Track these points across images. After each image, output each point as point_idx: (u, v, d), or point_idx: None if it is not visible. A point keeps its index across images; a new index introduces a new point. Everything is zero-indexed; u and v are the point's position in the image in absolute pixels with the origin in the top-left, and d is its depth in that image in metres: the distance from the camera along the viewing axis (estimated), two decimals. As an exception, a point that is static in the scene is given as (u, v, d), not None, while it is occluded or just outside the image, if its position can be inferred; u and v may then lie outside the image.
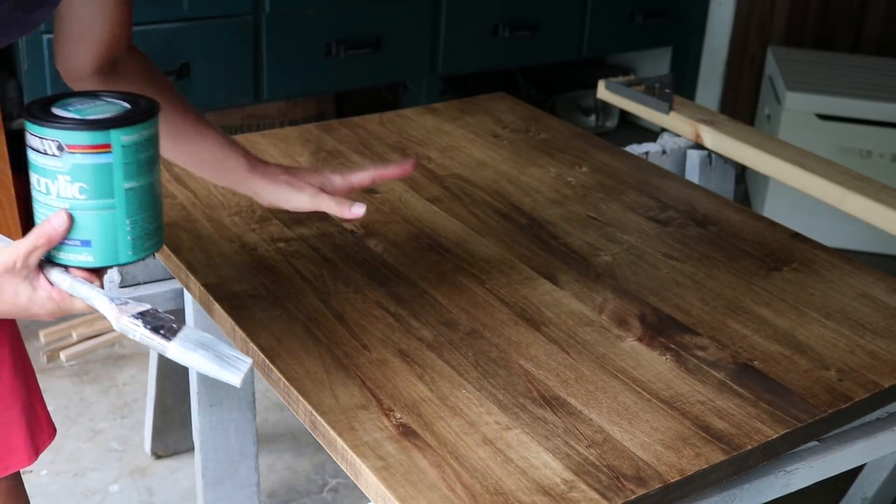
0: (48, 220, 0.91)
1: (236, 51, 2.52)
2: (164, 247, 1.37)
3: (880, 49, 3.45)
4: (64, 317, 2.31)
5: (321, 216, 1.48)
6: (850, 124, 2.91)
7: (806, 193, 1.72)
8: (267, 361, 1.13)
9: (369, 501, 0.99)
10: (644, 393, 1.11)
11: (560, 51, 3.13)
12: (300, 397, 1.07)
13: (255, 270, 1.32)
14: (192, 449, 1.81)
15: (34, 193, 0.93)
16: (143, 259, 0.97)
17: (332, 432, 1.02)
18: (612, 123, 3.54)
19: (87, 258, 0.93)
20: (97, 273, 0.94)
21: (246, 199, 1.52)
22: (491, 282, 1.32)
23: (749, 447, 1.03)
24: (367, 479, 0.97)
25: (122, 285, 1.47)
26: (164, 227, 1.40)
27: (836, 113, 2.91)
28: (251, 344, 1.16)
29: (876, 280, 1.39)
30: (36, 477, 1.88)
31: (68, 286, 0.93)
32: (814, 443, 1.17)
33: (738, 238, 1.49)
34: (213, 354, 0.90)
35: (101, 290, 0.94)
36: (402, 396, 1.08)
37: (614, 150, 1.80)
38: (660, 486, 0.97)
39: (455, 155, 1.73)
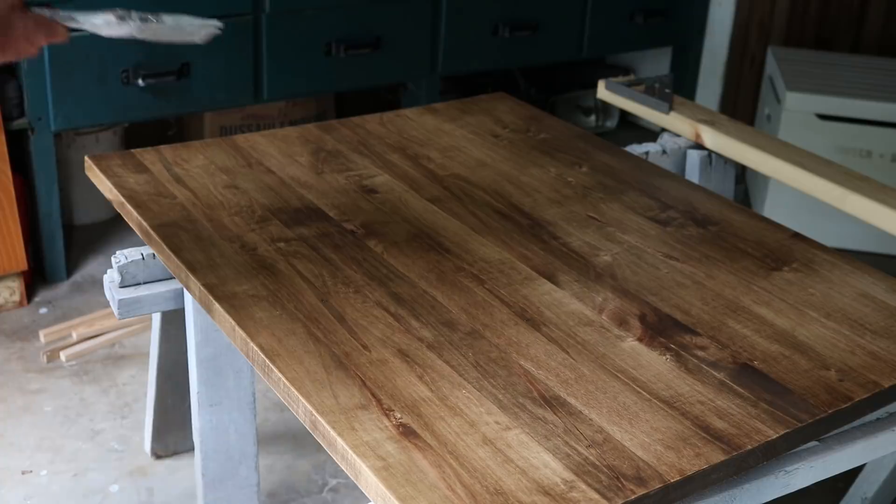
0: None
1: (236, 51, 2.52)
2: (164, 247, 1.37)
3: (880, 49, 3.44)
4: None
5: (321, 216, 1.48)
6: (850, 124, 2.90)
7: (806, 193, 1.72)
8: (267, 361, 1.13)
9: (369, 501, 0.99)
10: (644, 393, 1.11)
11: (560, 51, 3.13)
12: (300, 397, 1.07)
13: (255, 270, 1.32)
14: (192, 449, 1.81)
15: None
16: None
17: (332, 432, 1.02)
18: (612, 123, 3.54)
19: None
20: None
21: (246, 198, 1.52)
22: (491, 282, 1.32)
23: (749, 447, 1.03)
24: (367, 479, 0.97)
25: (122, 285, 1.47)
26: (164, 228, 1.41)
27: (836, 113, 2.91)
28: (251, 344, 1.16)
29: (876, 280, 1.39)
30: (36, 477, 1.88)
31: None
32: (814, 443, 1.17)
33: (738, 238, 1.49)
34: (192, 16, 1.04)
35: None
36: (402, 396, 1.08)
37: (614, 150, 1.80)
38: (660, 486, 0.97)
39: (455, 155, 1.73)
